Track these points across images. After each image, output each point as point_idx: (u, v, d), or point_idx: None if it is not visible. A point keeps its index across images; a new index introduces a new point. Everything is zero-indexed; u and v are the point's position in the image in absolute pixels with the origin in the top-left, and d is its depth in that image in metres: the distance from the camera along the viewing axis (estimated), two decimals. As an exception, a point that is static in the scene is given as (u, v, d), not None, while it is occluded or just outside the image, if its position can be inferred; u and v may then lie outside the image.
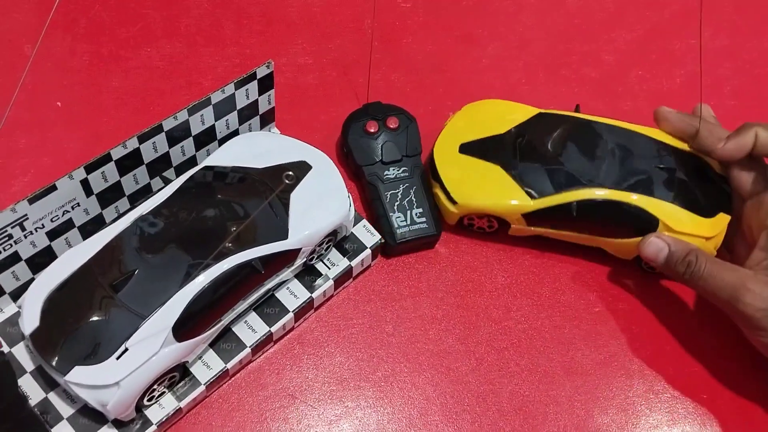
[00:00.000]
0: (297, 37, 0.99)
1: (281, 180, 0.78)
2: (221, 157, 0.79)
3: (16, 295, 0.74)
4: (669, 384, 0.82)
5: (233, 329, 0.77)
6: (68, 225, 0.74)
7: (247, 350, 0.76)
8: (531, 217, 0.83)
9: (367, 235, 0.84)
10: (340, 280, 0.82)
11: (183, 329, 0.68)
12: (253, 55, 0.97)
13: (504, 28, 1.03)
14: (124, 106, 0.92)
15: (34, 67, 0.93)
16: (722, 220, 0.82)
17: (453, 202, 0.84)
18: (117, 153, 0.73)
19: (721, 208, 0.82)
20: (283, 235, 0.75)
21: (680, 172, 0.82)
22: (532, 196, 0.82)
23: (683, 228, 0.80)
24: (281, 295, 0.79)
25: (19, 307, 0.74)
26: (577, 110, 0.88)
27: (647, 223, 0.81)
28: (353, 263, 0.81)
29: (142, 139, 0.74)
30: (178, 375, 0.72)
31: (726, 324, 0.81)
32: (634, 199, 0.80)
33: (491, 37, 1.02)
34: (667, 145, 0.85)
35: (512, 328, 0.83)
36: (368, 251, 0.82)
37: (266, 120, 0.87)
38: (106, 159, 0.72)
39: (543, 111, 0.87)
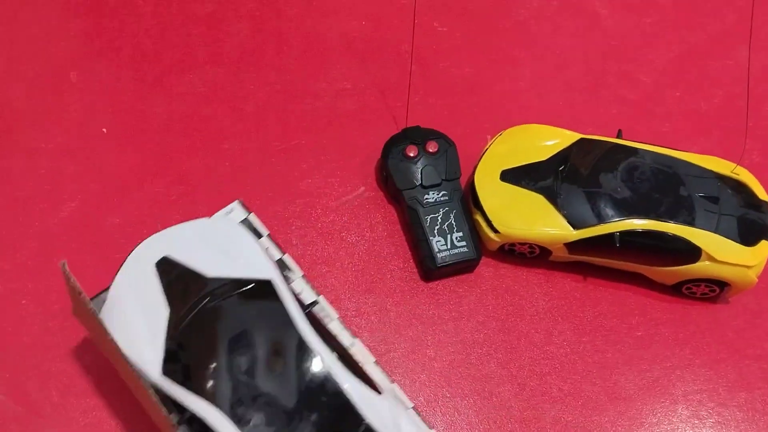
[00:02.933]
0: (336, 62, 1.00)
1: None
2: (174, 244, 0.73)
3: None
4: (714, 410, 0.81)
5: None
6: None
7: None
8: (573, 246, 0.83)
9: None
10: None
11: None
12: (293, 81, 0.98)
13: (541, 49, 1.04)
14: (168, 131, 0.93)
15: (80, 93, 0.95)
16: (764, 248, 0.81)
17: (494, 230, 0.84)
18: None
19: (763, 235, 0.82)
20: None
21: (722, 200, 0.82)
22: (574, 226, 0.82)
23: (725, 257, 0.80)
24: None
25: None
26: (619, 135, 0.88)
27: (690, 252, 0.81)
28: None
29: None
30: None
31: (771, 350, 0.81)
32: (677, 229, 0.80)
33: (528, 59, 1.03)
34: (709, 171, 0.84)
35: (554, 352, 0.84)
36: None
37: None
38: None
39: (584, 137, 0.88)
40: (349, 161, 0.94)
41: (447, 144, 0.90)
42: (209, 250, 0.73)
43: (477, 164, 0.88)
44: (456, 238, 0.86)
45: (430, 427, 0.73)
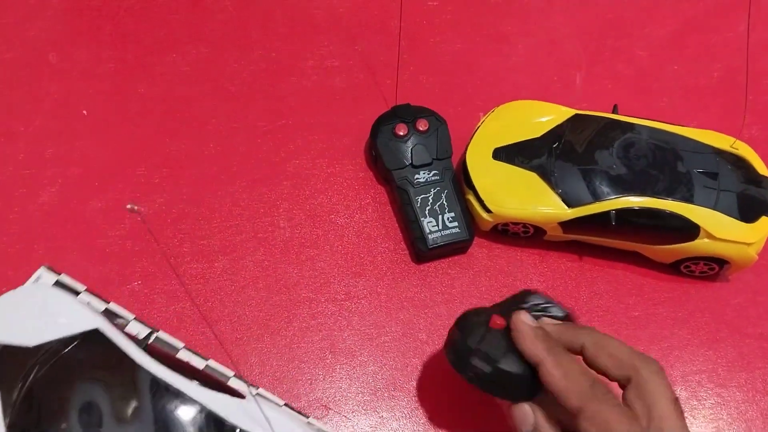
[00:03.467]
0: (323, 39, 0.97)
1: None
2: None
3: None
4: (713, 390, 0.80)
5: None
6: None
7: None
8: (568, 225, 0.80)
9: None
10: None
11: None
12: (279, 59, 0.95)
13: (534, 25, 1.01)
14: (150, 113, 0.91)
15: (59, 75, 0.92)
16: (764, 224, 0.79)
17: (487, 210, 0.82)
18: None
19: (764, 211, 0.79)
20: None
21: (721, 175, 0.80)
22: (569, 205, 0.79)
23: (724, 234, 0.78)
24: None
25: None
26: (615, 111, 0.86)
27: (688, 230, 0.79)
28: None
29: None
30: None
31: (772, 329, 0.79)
32: (674, 206, 0.78)
33: (521, 34, 1.00)
34: (708, 146, 0.82)
35: (549, 334, 0.82)
36: None
37: None
38: None
39: (579, 112, 0.85)
40: (337, 141, 0.91)
41: (438, 122, 0.87)
42: (25, 321, 0.69)
43: (469, 142, 0.86)
44: (448, 218, 0.83)
45: (306, 416, 0.73)
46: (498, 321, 0.67)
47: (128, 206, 0.61)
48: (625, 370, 0.60)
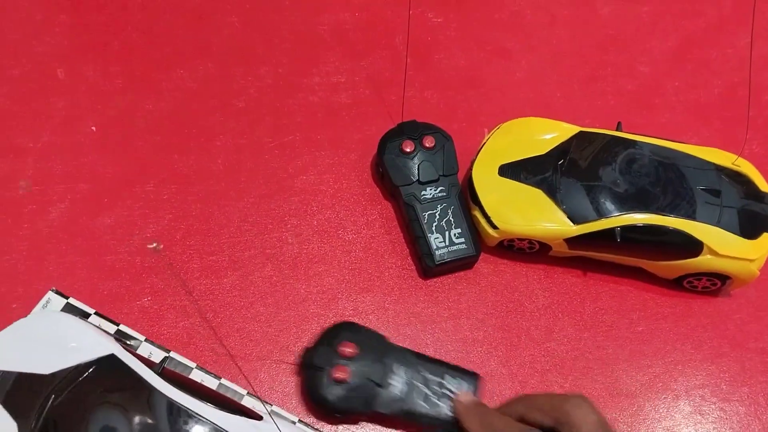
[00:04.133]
0: (329, 56, 0.98)
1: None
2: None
3: None
4: (716, 405, 0.81)
5: None
6: None
7: None
8: (573, 241, 0.82)
9: None
10: None
11: None
12: (285, 75, 0.96)
13: (537, 41, 1.02)
14: (158, 128, 0.91)
15: (67, 90, 0.93)
16: (766, 240, 0.80)
17: (493, 226, 0.83)
18: None
19: (765, 228, 0.81)
20: None
21: (723, 192, 0.81)
22: (574, 221, 0.80)
23: (727, 251, 0.79)
24: None
25: None
26: (618, 128, 0.87)
27: (691, 247, 0.80)
28: None
29: None
30: None
31: (774, 344, 0.80)
32: (678, 223, 0.79)
33: (525, 50, 1.01)
34: (710, 162, 0.83)
35: (554, 349, 0.83)
36: None
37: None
38: None
39: (584, 129, 0.86)
40: (344, 157, 0.92)
41: (444, 138, 0.88)
42: (39, 349, 0.70)
43: (474, 159, 0.87)
44: (454, 234, 0.84)
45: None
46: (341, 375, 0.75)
47: (151, 245, 0.61)
48: (554, 413, 0.64)
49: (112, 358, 0.69)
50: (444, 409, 0.74)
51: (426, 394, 0.75)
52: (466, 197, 0.86)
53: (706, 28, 1.05)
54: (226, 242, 0.85)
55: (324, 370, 0.75)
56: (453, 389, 0.75)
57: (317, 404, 0.75)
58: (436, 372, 0.76)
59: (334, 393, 0.74)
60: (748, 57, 1.01)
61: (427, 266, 0.84)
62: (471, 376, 0.76)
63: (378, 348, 0.77)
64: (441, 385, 0.75)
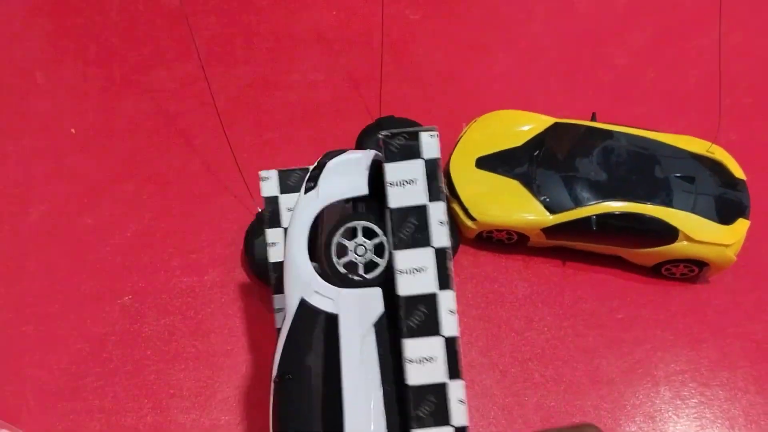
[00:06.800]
0: (307, 54, 0.99)
1: None
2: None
3: None
4: (696, 390, 0.81)
5: None
6: None
7: None
8: (550, 231, 0.82)
9: None
10: None
11: None
12: (263, 74, 0.97)
13: (515, 35, 1.03)
14: (138, 129, 0.92)
15: (47, 94, 0.94)
16: (741, 226, 0.81)
17: (471, 218, 0.83)
18: None
19: (740, 213, 0.81)
20: None
21: (699, 180, 0.82)
22: (551, 211, 0.81)
23: (702, 237, 0.80)
24: None
25: None
26: (593, 119, 0.88)
27: (667, 233, 0.81)
28: None
29: None
30: None
31: (752, 328, 0.81)
32: (653, 210, 0.80)
33: (502, 45, 1.02)
34: (685, 150, 0.84)
35: (535, 338, 0.83)
36: None
37: None
38: None
39: (559, 120, 0.87)
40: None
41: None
42: None
43: (452, 152, 0.87)
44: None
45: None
46: None
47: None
48: None
49: None
50: None
51: None
52: (445, 190, 0.87)
53: (681, 21, 1.06)
54: (207, 240, 0.86)
55: None
56: None
57: None
58: None
59: None
60: (723, 46, 1.02)
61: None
62: None
63: None
64: None
